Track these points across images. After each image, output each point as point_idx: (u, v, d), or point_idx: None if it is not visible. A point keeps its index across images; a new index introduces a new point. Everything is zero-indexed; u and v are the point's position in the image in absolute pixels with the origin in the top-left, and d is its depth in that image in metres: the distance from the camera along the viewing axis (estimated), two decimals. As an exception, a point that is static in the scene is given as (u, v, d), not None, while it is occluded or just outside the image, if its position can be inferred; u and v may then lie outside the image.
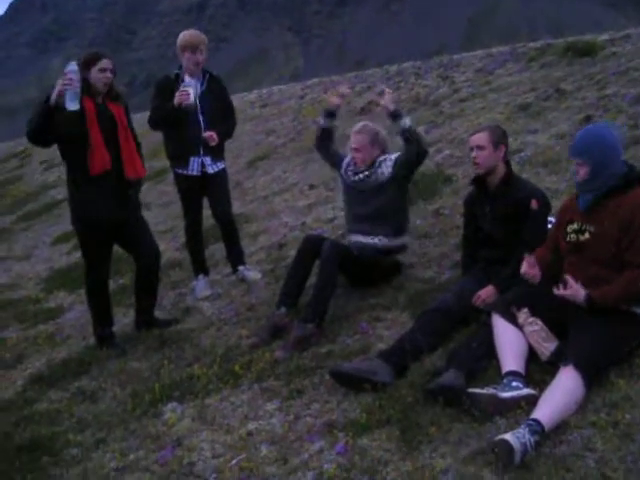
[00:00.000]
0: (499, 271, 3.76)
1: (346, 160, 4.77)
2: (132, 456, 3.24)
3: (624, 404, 2.68)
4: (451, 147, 7.11)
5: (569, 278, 3.03)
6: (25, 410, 4.01)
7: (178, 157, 5.11)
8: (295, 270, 4.36)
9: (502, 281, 3.68)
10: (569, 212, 3.30)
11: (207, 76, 5.08)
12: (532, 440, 2.50)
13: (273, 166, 9.17)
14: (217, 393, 3.65)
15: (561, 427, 2.63)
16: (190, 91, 4.78)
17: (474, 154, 3.82)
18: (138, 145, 4.53)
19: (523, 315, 3.15)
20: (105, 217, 4.37)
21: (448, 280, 4.33)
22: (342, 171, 4.78)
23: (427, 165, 6.79)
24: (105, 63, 4.24)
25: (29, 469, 3.29)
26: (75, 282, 6.34)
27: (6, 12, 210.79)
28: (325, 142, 4.94)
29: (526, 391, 2.85)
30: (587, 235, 3.14)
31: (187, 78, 4.90)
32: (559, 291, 3.05)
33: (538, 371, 3.04)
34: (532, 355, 3.09)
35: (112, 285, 5.79)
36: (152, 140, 8.93)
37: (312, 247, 4.34)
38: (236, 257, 5.45)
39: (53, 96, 4.00)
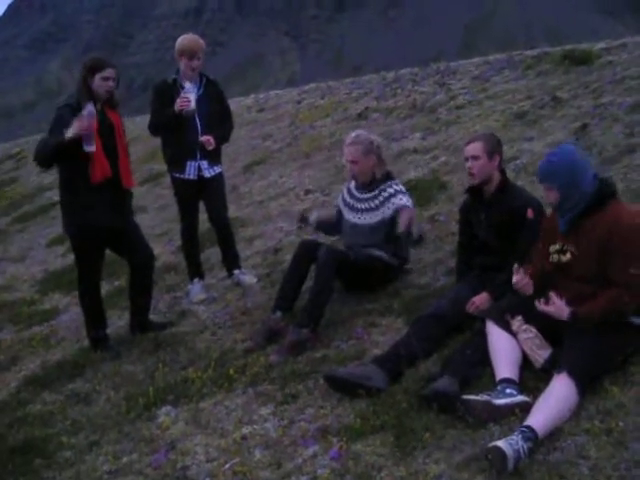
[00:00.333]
0: (494, 278, 3.76)
1: (345, 189, 4.79)
2: (125, 459, 3.24)
3: (618, 412, 2.68)
4: (447, 154, 7.13)
5: (553, 295, 3.04)
6: (19, 412, 4.01)
7: (175, 161, 5.11)
8: (291, 275, 4.37)
9: (496, 288, 3.69)
10: (550, 233, 3.30)
11: (204, 80, 5.08)
12: (525, 447, 2.51)
13: (269, 171, 9.16)
14: (211, 397, 3.65)
15: (555, 434, 2.63)
16: (191, 97, 4.79)
17: (469, 164, 3.82)
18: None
19: (517, 322, 3.16)
20: (104, 225, 4.39)
21: (443, 286, 4.33)
22: (343, 204, 4.75)
23: (423, 172, 6.82)
24: (109, 72, 4.27)
25: (22, 471, 3.29)
26: (70, 284, 6.32)
27: (4, 14, 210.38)
28: (329, 228, 4.93)
29: (520, 398, 2.86)
30: (569, 255, 3.15)
31: (187, 84, 4.89)
32: (542, 306, 3.06)
33: (532, 378, 3.04)
34: (526, 362, 3.10)
35: (107, 287, 5.81)
36: (149, 143, 8.92)
37: (308, 252, 4.35)
38: (232, 261, 5.45)
39: (69, 135, 4.06)
